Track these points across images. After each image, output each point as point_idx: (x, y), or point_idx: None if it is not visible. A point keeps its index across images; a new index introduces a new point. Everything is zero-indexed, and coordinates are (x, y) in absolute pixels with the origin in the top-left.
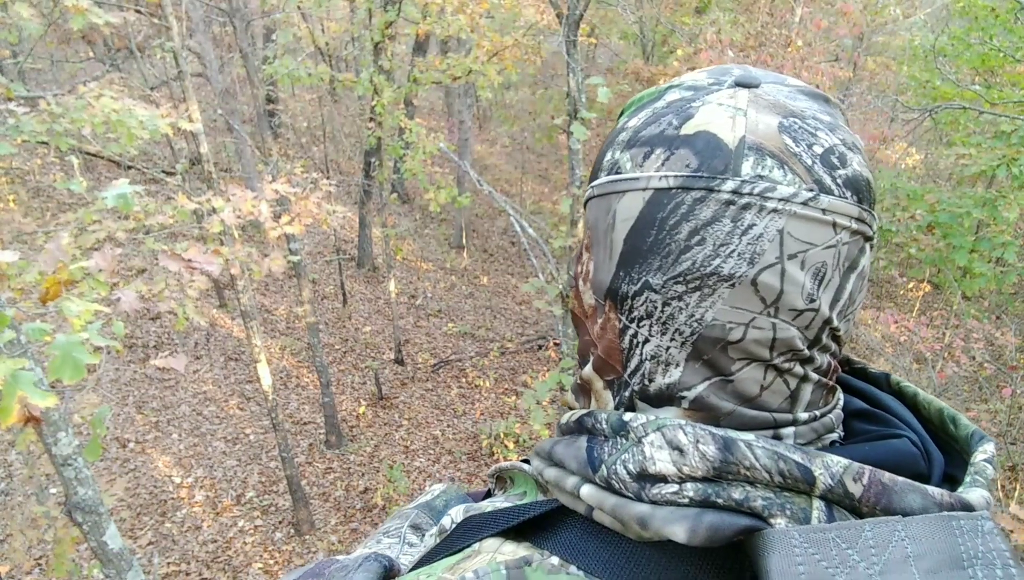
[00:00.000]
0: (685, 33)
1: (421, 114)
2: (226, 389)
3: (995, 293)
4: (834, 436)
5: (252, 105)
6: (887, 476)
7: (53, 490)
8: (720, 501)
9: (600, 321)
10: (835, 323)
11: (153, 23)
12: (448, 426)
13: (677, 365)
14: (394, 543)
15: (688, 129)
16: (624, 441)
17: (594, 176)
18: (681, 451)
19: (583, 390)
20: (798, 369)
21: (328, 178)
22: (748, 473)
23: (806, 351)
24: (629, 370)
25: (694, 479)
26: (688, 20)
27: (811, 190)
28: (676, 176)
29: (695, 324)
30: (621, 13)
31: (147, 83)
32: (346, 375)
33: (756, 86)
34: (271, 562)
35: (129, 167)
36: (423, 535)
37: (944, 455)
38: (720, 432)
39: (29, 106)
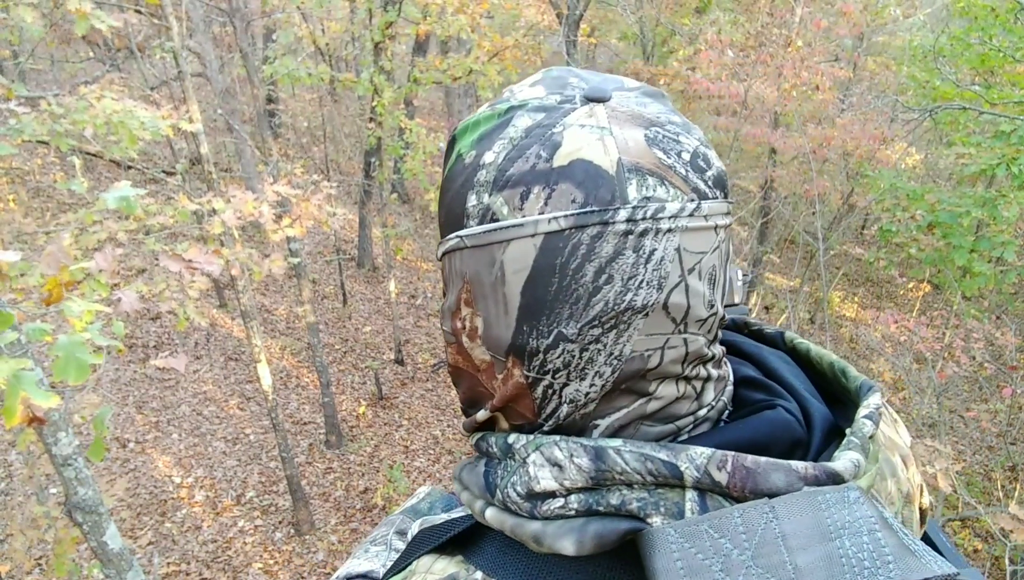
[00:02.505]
0: (685, 33)
1: (421, 114)
2: (226, 389)
3: (995, 293)
4: (725, 414)
5: (252, 105)
6: (750, 459)
7: (53, 490)
8: (601, 508)
9: (501, 376)
10: (723, 314)
11: (153, 23)
12: (448, 426)
13: (595, 401)
14: (381, 551)
15: (560, 160)
16: (512, 463)
17: (455, 223)
18: (560, 467)
19: (481, 429)
20: (703, 371)
21: (328, 179)
22: (622, 477)
23: (709, 352)
24: (544, 415)
25: (577, 490)
26: (688, 20)
27: (692, 200)
28: (566, 216)
29: (615, 362)
30: (621, 13)
31: (147, 83)
32: (346, 375)
33: (608, 99)
34: (271, 562)
35: (129, 167)
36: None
37: (841, 406)
38: (590, 443)
39: (30, 106)
